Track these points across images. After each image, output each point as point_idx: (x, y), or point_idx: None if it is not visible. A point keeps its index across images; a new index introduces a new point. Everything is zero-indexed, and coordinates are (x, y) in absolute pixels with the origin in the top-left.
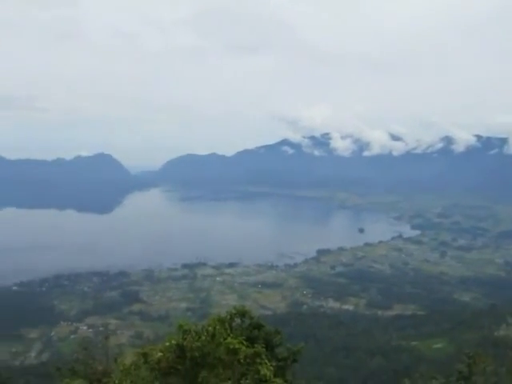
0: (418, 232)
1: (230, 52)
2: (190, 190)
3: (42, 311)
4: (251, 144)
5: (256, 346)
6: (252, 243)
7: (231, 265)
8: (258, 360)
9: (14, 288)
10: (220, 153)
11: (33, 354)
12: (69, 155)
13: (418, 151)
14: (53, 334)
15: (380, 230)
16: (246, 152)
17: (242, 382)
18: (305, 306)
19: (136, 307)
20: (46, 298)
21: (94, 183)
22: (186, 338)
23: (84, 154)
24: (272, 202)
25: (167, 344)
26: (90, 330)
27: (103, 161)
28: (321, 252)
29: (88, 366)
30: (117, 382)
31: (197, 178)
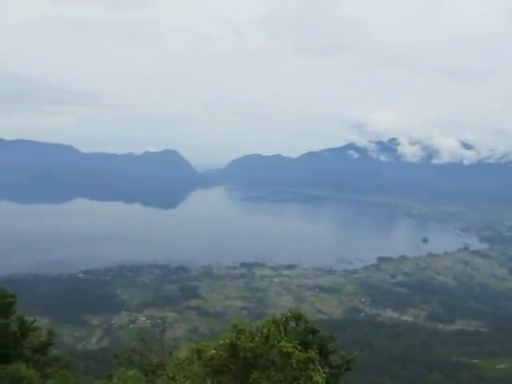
0: (486, 245)
1: (299, 54)
2: (253, 189)
3: (104, 299)
4: (316, 146)
5: (310, 351)
6: (311, 246)
7: (289, 267)
8: (311, 366)
9: (80, 275)
10: (285, 154)
11: (94, 340)
12: (138, 150)
13: (491, 161)
14: (113, 321)
15: (445, 241)
16: (310, 154)
17: None
18: (362, 314)
19: (193, 302)
20: (109, 286)
21: (161, 179)
22: (239, 338)
23: (152, 149)
24: (334, 205)
25: (221, 342)
26: (149, 321)
27: (170, 157)
28: (381, 259)
29: (144, 356)
30: (170, 375)
31: (260, 178)
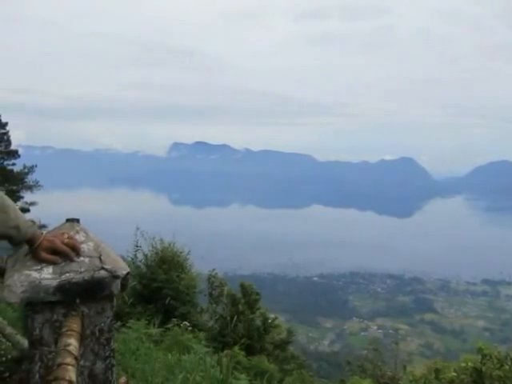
0: None
1: None
2: (499, 199)
3: (336, 304)
4: None
5: None
6: None
7: None
8: None
9: (315, 279)
10: None
11: (326, 342)
12: (373, 158)
13: None
14: (345, 327)
15: None
16: None
17: None
18: None
19: (428, 316)
20: (341, 292)
21: (395, 187)
22: (485, 363)
23: (388, 157)
24: None
25: (463, 365)
26: (380, 330)
27: (406, 165)
28: None
29: (377, 367)
30: None
31: (508, 187)
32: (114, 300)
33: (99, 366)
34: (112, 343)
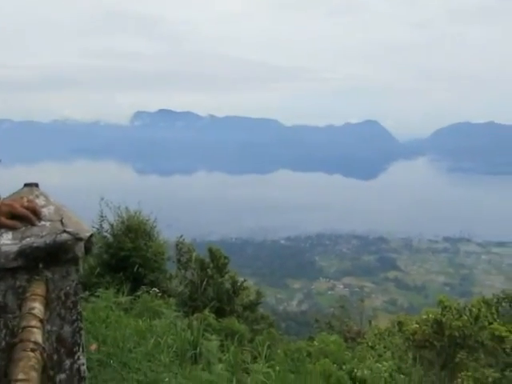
0: None
1: None
2: (461, 160)
3: (304, 266)
4: None
5: None
6: None
7: (500, 244)
8: None
9: (282, 242)
10: (499, 121)
11: (294, 303)
12: (339, 122)
13: None
14: (313, 287)
15: None
16: None
17: (506, 373)
18: None
19: (392, 274)
20: (308, 253)
21: (361, 150)
22: (445, 315)
23: (353, 121)
24: None
25: (424, 317)
26: (346, 289)
27: (371, 128)
28: None
29: (344, 323)
30: (370, 344)
31: (470, 148)
32: (80, 263)
33: (66, 329)
34: (79, 306)
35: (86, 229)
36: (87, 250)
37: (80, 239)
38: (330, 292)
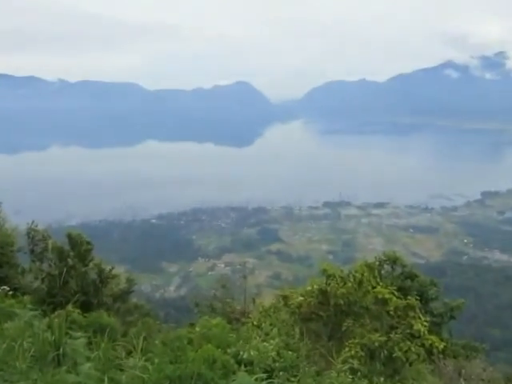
0: None
1: None
2: (335, 121)
3: (180, 245)
4: (407, 68)
5: (409, 297)
6: (404, 182)
7: (379, 205)
8: (411, 313)
9: (153, 221)
10: (370, 79)
11: (172, 288)
12: (207, 84)
13: None
14: (191, 269)
15: None
16: (400, 77)
17: (391, 335)
18: (465, 257)
19: (274, 246)
20: (184, 231)
21: (233, 114)
22: (329, 284)
23: (223, 82)
24: (430, 134)
25: (309, 288)
26: (228, 267)
27: (242, 89)
28: (486, 194)
29: (226, 304)
30: (255, 323)
31: (343, 107)
32: None
33: None
34: None
35: None
36: None
37: None
38: (210, 272)
